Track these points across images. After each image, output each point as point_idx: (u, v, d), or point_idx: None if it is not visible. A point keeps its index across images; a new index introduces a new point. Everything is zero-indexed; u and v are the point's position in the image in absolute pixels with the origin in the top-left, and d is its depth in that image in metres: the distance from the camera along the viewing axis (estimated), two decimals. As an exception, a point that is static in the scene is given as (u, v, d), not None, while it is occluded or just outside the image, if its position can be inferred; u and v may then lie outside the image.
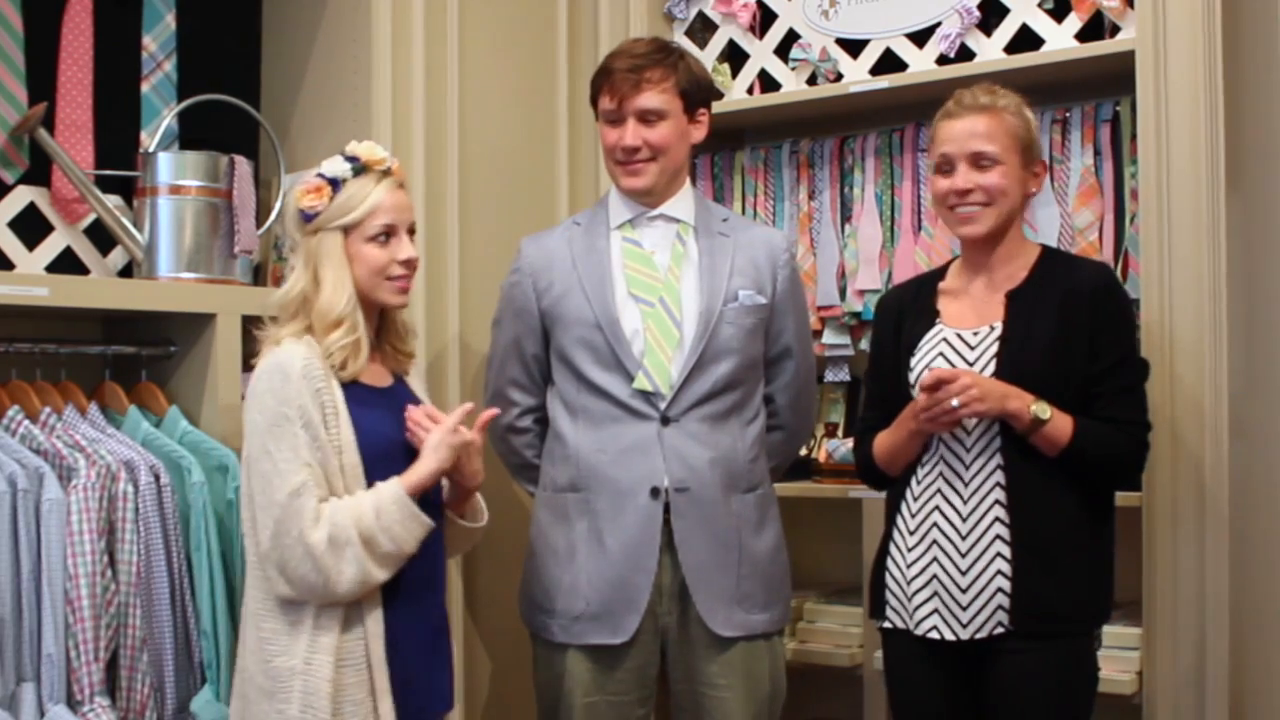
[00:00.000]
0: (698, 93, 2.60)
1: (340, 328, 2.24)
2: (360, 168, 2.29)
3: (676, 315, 2.52)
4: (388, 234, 2.28)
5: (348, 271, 2.27)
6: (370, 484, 2.21)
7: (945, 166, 2.37)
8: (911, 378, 2.40)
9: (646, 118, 2.53)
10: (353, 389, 2.26)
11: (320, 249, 2.27)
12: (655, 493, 2.48)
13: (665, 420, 2.50)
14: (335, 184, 2.28)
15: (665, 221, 2.60)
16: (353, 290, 2.27)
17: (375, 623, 2.21)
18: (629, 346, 2.51)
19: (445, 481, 2.36)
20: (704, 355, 2.51)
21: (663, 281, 2.55)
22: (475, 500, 2.43)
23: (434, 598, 2.34)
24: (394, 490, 2.20)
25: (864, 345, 3.00)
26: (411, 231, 2.33)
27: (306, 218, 2.28)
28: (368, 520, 2.16)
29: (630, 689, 2.52)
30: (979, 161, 2.34)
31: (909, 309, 2.49)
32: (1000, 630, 2.28)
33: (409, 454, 2.28)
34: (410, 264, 2.30)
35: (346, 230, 2.28)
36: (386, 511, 2.17)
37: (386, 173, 2.31)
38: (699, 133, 2.61)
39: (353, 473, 2.20)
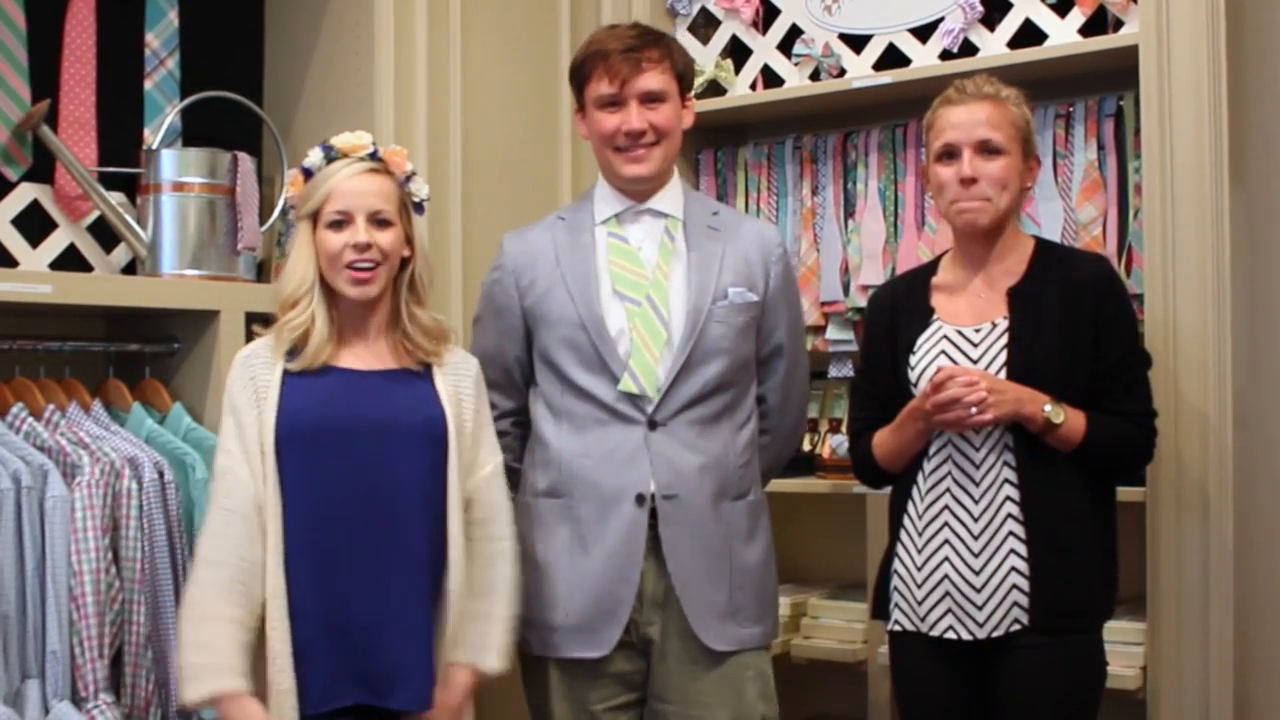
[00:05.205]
0: (688, 75, 2.52)
1: (294, 308, 2.25)
2: (334, 156, 2.28)
3: (664, 314, 2.41)
4: (343, 219, 2.23)
5: (310, 256, 2.26)
6: (280, 464, 2.18)
7: (948, 154, 2.32)
8: (912, 376, 2.36)
9: (649, 99, 2.43)
10: (309, 372, 2.23)
11: (294, 239, 2.30)
12: (640, 500, 2.36)
13: (653, 424, 2.38)
14: (308, 174, 2.29)
15: (653, 216, 2.49)
16: (310, 273, 2.25)
17: (279, 619, 2.16)
18: (614, 347, 2.39)
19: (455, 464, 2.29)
20: (692, 356, 2.39)
21: (650, 279, 2.44)
22: None
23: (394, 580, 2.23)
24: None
25: (867, 341, 2.99)
26: (380, 220, 2.25)
27: (291, 209, 2.30)
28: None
29: (616, 694, 2.42)
30: (985, 149, 2.29)
31: (902, 305, 2.44)
32: (1017, 627, 2.25)
33: (348, 434, 2.21)
34: (361, 248, 2.22)
35: (313, 218, 2.27)
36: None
37: (369, 159, 2.27)
38: (689, 118, 2.52)
39: (267, 452, 2.18)
